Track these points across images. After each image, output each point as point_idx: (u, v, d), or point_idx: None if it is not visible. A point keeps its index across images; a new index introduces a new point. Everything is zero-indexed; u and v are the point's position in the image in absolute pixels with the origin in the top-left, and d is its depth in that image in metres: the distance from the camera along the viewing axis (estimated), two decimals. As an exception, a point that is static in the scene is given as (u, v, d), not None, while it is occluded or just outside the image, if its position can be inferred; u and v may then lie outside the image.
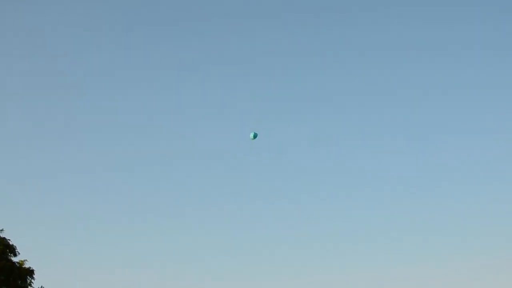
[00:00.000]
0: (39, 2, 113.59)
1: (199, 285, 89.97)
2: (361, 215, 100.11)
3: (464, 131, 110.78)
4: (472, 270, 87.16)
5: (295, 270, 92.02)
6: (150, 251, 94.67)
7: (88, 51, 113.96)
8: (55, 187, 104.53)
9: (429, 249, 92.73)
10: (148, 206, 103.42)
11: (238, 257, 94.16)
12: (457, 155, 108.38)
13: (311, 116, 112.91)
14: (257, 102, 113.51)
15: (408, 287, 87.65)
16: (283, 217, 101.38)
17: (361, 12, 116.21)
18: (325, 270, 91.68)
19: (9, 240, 38.68)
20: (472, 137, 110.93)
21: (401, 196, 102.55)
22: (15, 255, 38.70)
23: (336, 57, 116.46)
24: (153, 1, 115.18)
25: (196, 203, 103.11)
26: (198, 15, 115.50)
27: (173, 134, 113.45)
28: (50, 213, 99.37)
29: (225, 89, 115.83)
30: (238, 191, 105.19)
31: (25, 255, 39.24)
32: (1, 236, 38.32)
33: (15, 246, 38.76)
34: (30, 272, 38.88)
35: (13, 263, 38.26)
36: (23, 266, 38.67)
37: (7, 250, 38.21)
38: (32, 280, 38.99)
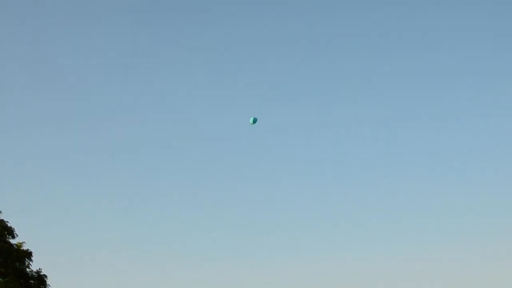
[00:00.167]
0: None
1: (197, 269, 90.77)
2: (364, 201, 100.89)
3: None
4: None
5: (295, 255, 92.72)
6: (149, 234, 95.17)
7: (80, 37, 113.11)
8: (55, 169, 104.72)
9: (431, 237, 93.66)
10: (148, 189, 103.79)
11: (237, 240, 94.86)
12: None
13: (313, 101, 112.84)
14: (257, 86, 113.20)
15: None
16: (282, 200, 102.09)
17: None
18: (325, 254, 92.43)
19: (7, 222, 38.56)
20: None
21: (408, 178, 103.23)
22: (13, 237, 38.60)
23: (336, 42, 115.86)
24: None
25: (193, 186, 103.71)
26: (199, 2, 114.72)
27: (171, 117, 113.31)
28: (49, 195, 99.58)
29: (225, 74, 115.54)
30: (238, 174, 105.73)
31: (23, 237, 39.22)
32: (-1, 218, 38.23)
33: (13, 228, 38.64)
34: (28, 254, 38.79)
35: (11, 245, 38.17)
36: (21, 248, 38.57)
37: (5, 232, 38.12)
38: (30, 263, 38.92)
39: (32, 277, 38.79)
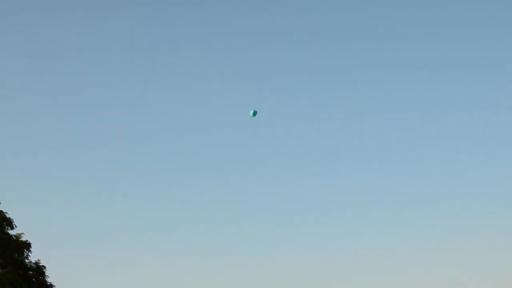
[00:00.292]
0: None
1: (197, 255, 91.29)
2: (366, 186, 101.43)
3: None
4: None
5: (297, 241, 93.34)
6: (149, 225, 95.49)
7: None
8: (54, 160, 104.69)
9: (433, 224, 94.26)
10: (147, 181, 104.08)
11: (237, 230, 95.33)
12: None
13: (312, 91, 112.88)
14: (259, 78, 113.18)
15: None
16: (282, 192, 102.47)
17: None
18: (326, 239, 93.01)
19: (6, 213, 38.52)
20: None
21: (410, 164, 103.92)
22: (12, 228, 38.55)
23: (335, 35, 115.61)
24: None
25: (192, 177, 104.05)
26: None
27: (172, 108, 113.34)
28: (49, 187, 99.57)
29: (226, 64, 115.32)
30: (238, 165, 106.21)
31: (22, 228, 39.18)
32: (-2, 209, 38.17)
33: (12, 219, 38.61)
34: (27, 245, 38.77)
35: (10, 236, 38.13)
36: (20, 239, 38.57)
37: (4, 223, 38.07)
38: (29, 254, 38.93)
39: (31, 268, 38.81)
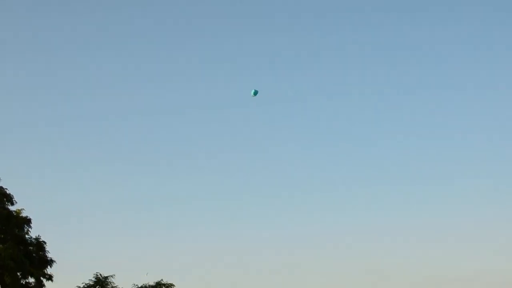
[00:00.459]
0: None
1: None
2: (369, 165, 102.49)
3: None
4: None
5: (298, 215, 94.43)
6: (148, 197, 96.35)
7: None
8: (54, 136, 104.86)
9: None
10: (150, 155, 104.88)
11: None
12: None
13: (314, 69, 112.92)
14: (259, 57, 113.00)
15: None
16: (282, 166, 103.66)
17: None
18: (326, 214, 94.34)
19: (6, 189, 38.56)
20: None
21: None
22: (12, 204, 38.62)
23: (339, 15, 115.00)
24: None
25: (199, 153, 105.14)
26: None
27: (177, 85, 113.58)
28: (49, 163, 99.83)
29: (228, 44, 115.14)
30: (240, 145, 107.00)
31: (22, 204, 39.28)
32: (-1, 185, 38.23)
33: (12, 195, 38.68)
34: (27, 221, 38.91)
35: (10, 211, 38.24)
36: (20, 215, 38.68)
37: (4, 199, 38.15)
38: (29, 229, 39.08)
39: (31, 243, 39.00)
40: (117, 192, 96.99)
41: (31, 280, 38.24)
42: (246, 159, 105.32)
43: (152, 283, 44.12)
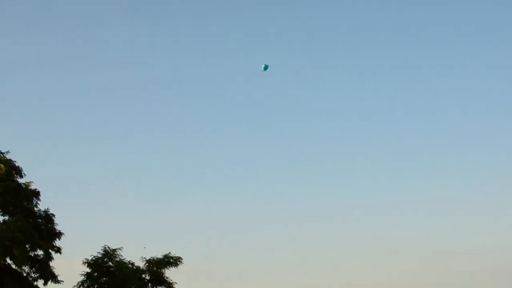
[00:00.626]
0: None
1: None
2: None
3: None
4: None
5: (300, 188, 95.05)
6: (159, 170, 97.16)
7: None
8: (62, 107, 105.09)
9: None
10: (159, 127, 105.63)
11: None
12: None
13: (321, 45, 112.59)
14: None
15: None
16: (287, 138, 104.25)
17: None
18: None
19: (15, 161, 38.54)
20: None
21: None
22: (21, 176, 38.60)
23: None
24: None
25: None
26: None
27: (187, 59, 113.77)
28: (57, 136, 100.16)
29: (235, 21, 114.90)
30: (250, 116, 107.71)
31: (31, 177, 39.29)
32: (7, 157, 38.15)
33: (21, 168, 38.66)
34: (36, 194, 38.94)
35: (19, 184, 38.23)
36: (29, 188, 38.69)
37: (13, 172, 38.11)
38: (38, 202, 39.16)
39: (40, 216, 39.09)
40: (126, 164, 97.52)
41: (40, 252, 38.47)
42: (254, 133, 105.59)
43: (160, 256, 44.29)
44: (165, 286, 43.78)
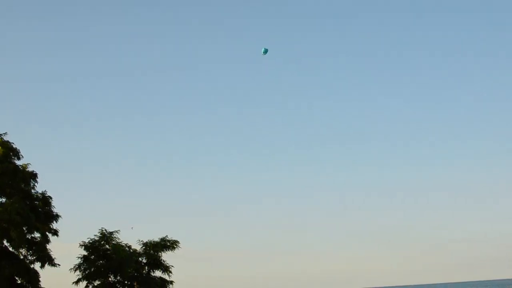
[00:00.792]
0: None
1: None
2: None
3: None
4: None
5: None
6: (155, 148, 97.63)
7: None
8: (59, 91, 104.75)
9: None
10: (156, 105, 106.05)
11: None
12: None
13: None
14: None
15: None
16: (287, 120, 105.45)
17: None
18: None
19: (13, 143, 38.36)
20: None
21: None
22: (18, 158, 38.47)
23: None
24: None
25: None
26: None
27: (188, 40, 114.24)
28: (55, 119, 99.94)
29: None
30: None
31: (28, 159, 39.14)
32: (5, 139, 37.96)
33: (19, 150, 38.53)
34: (33, 176, 38.84)
35: (16, 166, 38.07)
36: (27, 170, 38.56)
37: (10, 153, 37.94)
38: (35, 184, 39.07)
39: (37, 198, 39.01)
40: (123, 148, 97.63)
41: (37, 234, 38.38)
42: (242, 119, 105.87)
43: (157, 239, 44.21)
44: (161, 269, 43.78)
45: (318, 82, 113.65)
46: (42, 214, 38.63)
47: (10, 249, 37.57)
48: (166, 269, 43.82)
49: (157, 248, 43.82)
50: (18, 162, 38.41)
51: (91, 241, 42.15)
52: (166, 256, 44.08)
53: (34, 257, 38.22)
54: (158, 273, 43.75)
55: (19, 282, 37.53)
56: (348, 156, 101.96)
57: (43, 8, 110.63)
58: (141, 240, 44.11)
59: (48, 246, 38.99)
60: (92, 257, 42.01)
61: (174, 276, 44.07)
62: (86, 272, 41.50)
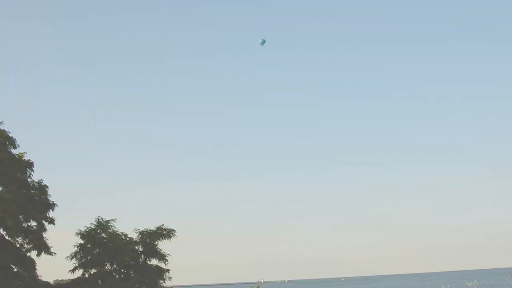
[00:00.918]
0: None
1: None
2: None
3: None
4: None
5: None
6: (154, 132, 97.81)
7: None
8: (56, 77, 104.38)
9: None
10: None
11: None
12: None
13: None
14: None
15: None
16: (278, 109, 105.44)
17: None
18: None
19: (9, 132, 38.33)
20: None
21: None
22: (14, 147, 38.43)
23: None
24: None
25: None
26: None
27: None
28: (50, 106, 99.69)
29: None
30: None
31: (24, 148, 39.08)
32: (1, 128, 37.88)
33: (15, 139, 38.45)
34: (29, 165, 38.85)
35: (13, 155, 38.08)
36: (23, 159, 38.51)
37: (6, 142, 37.89)
38: (32, 173, 39.05)
39: (33, 187, 39.04)
40: (120, 136, 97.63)
41: (33, 223, 38.46)
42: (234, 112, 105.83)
43: (153, 228, 44.21)
44: (158, 257, 43.85)
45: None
46: (38, 203, 38.68)
47: (6, 237, 37.61)
48: (162, 257, 43.89)
49: (153, 237, 43.84)
50: (14, 151, 38.40)
51: (87, 230, 42.13)
52: (162, 245, 44.16)
53: (31, 246, 38.31)
54: (154, 262, 43.85)
55: (15, 270, 37.63)
56: (350, 148, 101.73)
57: None
58: (137, 228, 44.17)
59: (44, 235, 39.13)
60: (88, 245, 42.02)
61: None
62: (83, 260, 41.57)
